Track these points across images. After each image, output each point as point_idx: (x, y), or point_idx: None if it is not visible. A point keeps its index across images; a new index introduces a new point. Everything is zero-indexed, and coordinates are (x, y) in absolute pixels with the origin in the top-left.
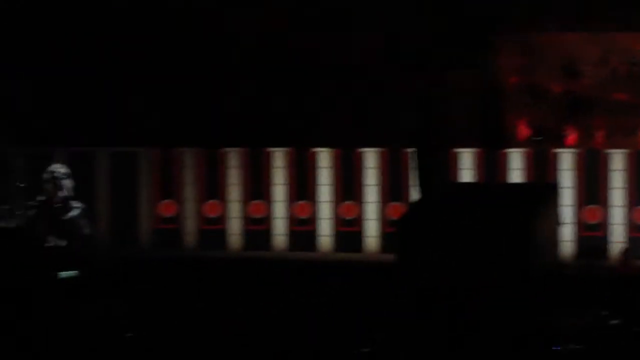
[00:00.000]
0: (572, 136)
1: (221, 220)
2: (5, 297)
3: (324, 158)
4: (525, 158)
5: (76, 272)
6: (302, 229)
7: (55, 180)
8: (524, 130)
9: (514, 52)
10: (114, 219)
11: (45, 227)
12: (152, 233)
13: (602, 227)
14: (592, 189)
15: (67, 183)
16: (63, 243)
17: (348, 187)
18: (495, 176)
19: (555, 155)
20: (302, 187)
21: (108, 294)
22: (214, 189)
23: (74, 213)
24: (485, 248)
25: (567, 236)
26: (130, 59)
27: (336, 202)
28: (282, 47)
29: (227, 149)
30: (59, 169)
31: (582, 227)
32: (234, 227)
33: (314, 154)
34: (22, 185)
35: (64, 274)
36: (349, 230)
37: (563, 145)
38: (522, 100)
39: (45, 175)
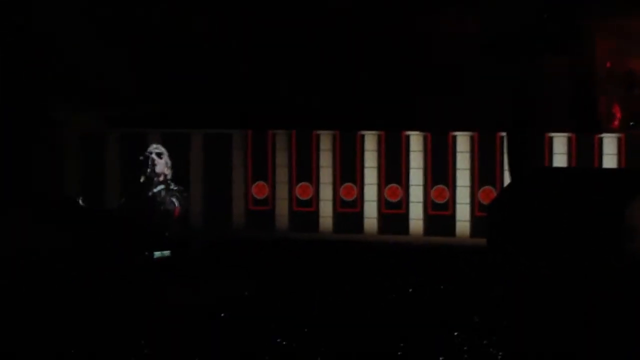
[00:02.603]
0: None
1: (312, 202)
2: (104, 276)
3: (415, 142)
4: (619, 143)
5: (169, 252)
6: (393, 212)
7: (149, 160)
8: (618, 115)
9: (609, 37)
10: (208, 200)
11: (135, 205)
12: (245, 214)
13: None
14: None
15: (162, 162)
16: (150, 220)
17: (440, 170)
18: (588, 161)
19: None
20: (393, 170)
21: (201, 275)
22: (306, 171)
23: (158, 189)
24: (579, 234)
25: None
26: (223, 41)
27: (427, 185)
28: (375, 34)
29: (319, 132)
30: (154, 149)
31: None
32: (326, 210)
33: (405, 138)
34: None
35: (157, 253)
36: (439, 214)
37: None
38: (616, 85)
39: (142, 157)
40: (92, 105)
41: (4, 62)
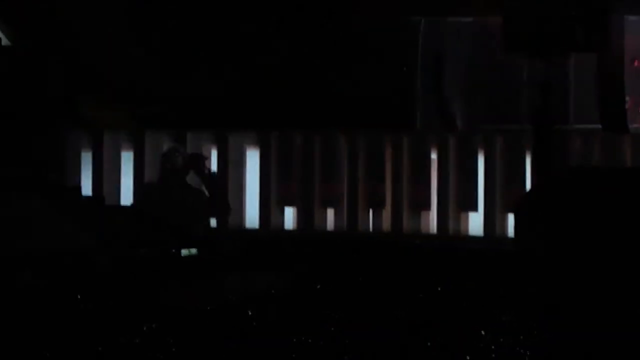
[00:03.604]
0: None
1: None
2: (125, 275)
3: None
4: None
5: (196, 250)
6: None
7: (176, 154)
8: None
9: (638, 34)
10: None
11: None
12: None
13: None
14: None
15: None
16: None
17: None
18: (613, 160)
19: None
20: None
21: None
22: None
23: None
24: (609, 238)
25: None
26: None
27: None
28: (397, 31)
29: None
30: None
31: None
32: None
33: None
34: None
35: (184, 251)
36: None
37: None
38: None
39: (165, 151)
40: (119, 103)
41: (31, 58)
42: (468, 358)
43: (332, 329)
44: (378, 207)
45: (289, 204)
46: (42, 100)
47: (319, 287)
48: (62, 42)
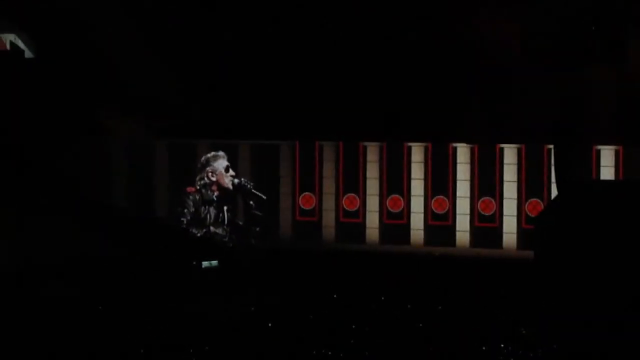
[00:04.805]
0: None
1: (358, 213)
2: (147, 286)
3: (462, 154)
4: None
5: (217, 262)
6: (440, 224)
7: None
8: None
9: None
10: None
11: (211, 216)
12: (292, 225)
13: None
14: None
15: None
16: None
17: (486, 182)
18: (635, 174)
19: None
20: (440, 181)
21: (247, 286)
22: (353, 182)
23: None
24: (629, 249)
25: None
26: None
27: (474, 197)
28: (418, 42)
29: (366, 143)
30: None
31: None
32: (372, 221)
33: (451, 150)
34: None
35: (206, 263)
36: (486, 226)
37: None
38: None
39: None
40: (139, 114)
41: (49, 69)
42: None
43: (352, 341)
44: (397, 219)
45: (309, 216)
46: (63, 111)
47: (335, 296)
48: (83, 54)
